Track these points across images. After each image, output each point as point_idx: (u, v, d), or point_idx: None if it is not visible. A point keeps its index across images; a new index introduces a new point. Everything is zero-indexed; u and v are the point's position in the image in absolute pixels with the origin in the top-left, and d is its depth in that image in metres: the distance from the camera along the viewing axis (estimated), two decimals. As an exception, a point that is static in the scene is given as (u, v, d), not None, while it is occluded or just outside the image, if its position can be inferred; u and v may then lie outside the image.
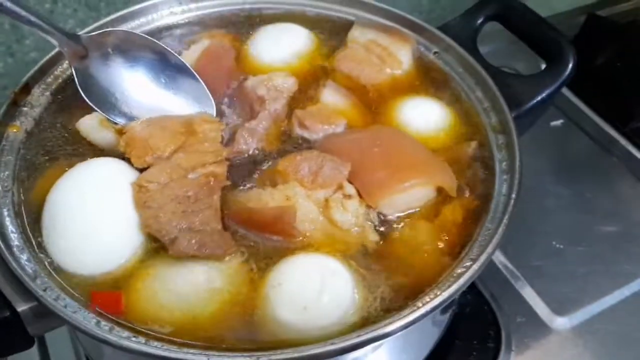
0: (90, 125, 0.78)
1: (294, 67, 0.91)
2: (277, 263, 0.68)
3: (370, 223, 0.72)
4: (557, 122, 1.38)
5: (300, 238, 0.70)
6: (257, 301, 0.66)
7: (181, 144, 0.75)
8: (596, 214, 1.19)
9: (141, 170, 0.74)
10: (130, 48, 0.82)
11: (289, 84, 0.86)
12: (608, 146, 1.33)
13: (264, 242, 0.71)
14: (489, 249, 0.66)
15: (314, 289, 0.64)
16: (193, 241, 0.68)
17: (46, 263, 0.68)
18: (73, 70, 0.79)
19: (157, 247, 0.70)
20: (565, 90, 1.41)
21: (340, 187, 0.72)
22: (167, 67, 0.83)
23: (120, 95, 0.81)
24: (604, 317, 1.04)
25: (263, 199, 0.71)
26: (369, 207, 0.73)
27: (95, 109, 0.79)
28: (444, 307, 0.68)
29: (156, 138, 0.75)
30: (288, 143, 0.81)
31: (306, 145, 0.81)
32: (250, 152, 0.79)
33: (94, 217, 0.69)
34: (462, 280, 0.64)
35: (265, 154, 0.80)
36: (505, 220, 0.69)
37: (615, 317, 1.04)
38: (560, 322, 1.03)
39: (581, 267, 1.10)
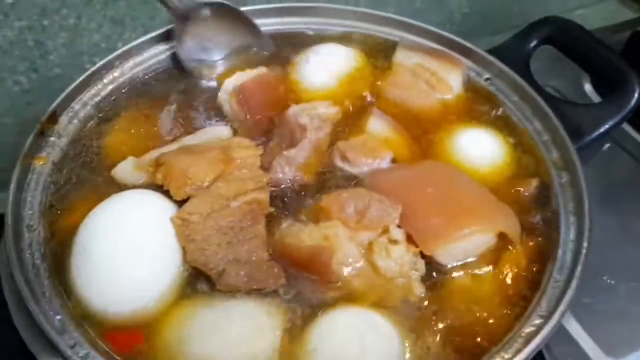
0: (127, 171, 0.74)
1: (339, 91, 0.86)
2: (312, 320, 0.62)
3: (416, 273, 0.66)
4: (603, 147, 1.31)
5: (339, 283, 0.64)
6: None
7: (220, 172, 0.72)
8: (647, 245, 1.12)
9: (178, 202, 0.70)
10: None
11: (332, 113, 0.81)
12: (656, 172, 1.26)
13: (302, 286, 0.65)
14: (562, 307, 0.60)
15: (353, 353, 0.59)
16: (242, 273, 0.65)
17: (74, 308, 0.63)
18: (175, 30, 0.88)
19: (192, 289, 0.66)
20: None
21: (386, 230, 0.66)
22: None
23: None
24: (659, 362, 0.97)
25: (301, 236, 0.66)
26: (417, 255, 0.66)
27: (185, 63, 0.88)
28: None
29: (194, 167, 0.72)
30: (328, 176, 0.76)
31: (349, 180, 0.75)
32: (287, 181, 0.74)
33: (127, 253, 0.65)
34: (533, 345, 0.58)
35: (303, 185, 0.74)
36: (577, 273, 0.62)
37: (672, 363, 0.97)
38: (613, 365, 0.96)
39: (635, 305, 1.03)
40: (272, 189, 0.73)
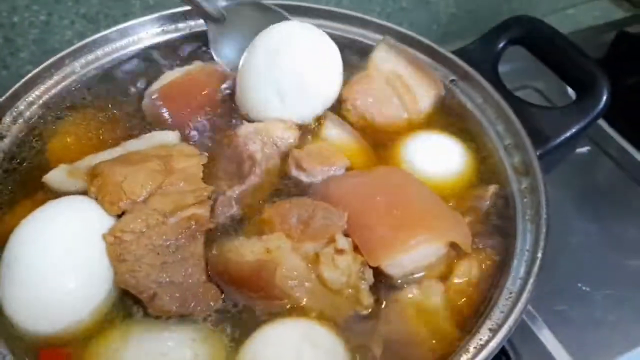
0: (59, 178, 0.71)
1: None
2: (251, 333, 0.60)
3: (364, 283, 0.62)
4: (583, 149, 1.27)
5: (284, 300, 0.61)
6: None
7: (159, 185, 0.68)
8: (626, 252, 1.09)
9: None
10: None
11: (288, 138, 0.76)
12: (638, 176, 1.23)
13: (246, 302, 0.63)
14: (510, 322, 0.57)
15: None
16: (176, 295, 0.62)
17: (2, 325, 0.60)
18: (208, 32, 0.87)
19: (126, 307, 0.62)
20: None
21: (332, 240, 0.63)
22: None
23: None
24: (633, 372, 0.94)
25: (241, 250, 0.63)
26: (364, 264, 0.63)
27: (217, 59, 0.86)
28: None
29: (130, 180, 0.67)
30: (281, 186, 0.73)
31: (304, 190, 0.72)
32: (230, 218, 0.70)
33: (55, 265, 0.61)
34: (480, 357, 0.54)
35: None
36: (529, 286, 0.60)
37: (646, 373, 0.94)
38: (584, 376, 0.93)
39: (609, 313, 1.00)
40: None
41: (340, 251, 0.62)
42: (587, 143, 1.28)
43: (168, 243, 0.65)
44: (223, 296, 0.63)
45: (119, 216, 0.66)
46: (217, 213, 0.68)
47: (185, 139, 0.77)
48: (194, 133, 0.78)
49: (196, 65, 0.85)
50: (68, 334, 0.60)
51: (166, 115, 0.78)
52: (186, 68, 0.84)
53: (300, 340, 0.58)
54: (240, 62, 0.81)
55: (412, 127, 0.80)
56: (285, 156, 0.74)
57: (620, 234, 1.11)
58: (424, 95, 0.82)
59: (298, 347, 0.57)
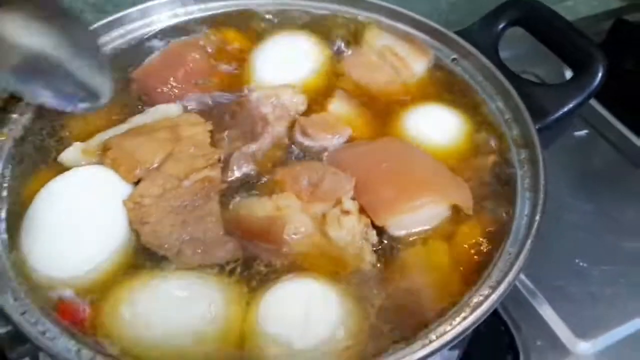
0: (74, 158, 0.74)
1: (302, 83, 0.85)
2: (263, 290, 0.63)
3: (367, 243, 0.66)
4: (581, 132, 1.30)
5: (291, 252, 0.65)
6: (242, 334, 0.61)
7: (169, 152, 0.72)
8: (622, 231, 1.12)
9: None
10: None
11: (297, 102, 0.80)
12: (635, 159, 1.26)
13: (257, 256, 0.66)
14: (510, 277, 0.60)
15: (296, 321, 0.59)
16: (198, 250, 0.66)
17: (26, 274, 0.64)
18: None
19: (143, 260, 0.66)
20: (591, 100, 1.35)
21: (339, 202, 0.67)
22: None
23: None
24: (630, 342, 0.97)
25: (254, 208, 0.67)
26: (368, 225, 0.67)
27: None
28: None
29: (143, 150, 0.71)
30: (288, 151, 0.77)
31: (308, 155, 0.76)
32: (244, 176, 0.73)
33: (76, 222, 0.66)
34: (478, 312, 0.58)
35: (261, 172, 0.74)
36: (528, 245, 0.63)
37: (640, 343, 0.97)
38: (583, 347, 0.96)
39: (606, 287, 1.03)
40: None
41: (346, 212, 0.66)
42: (585, 126, 1.32)
43: (185, 204, 0.68)
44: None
45: (135, 184, 0.70)
46: (233, 169, 0.72)
47: (186, 110, 0.80)
48: (192, 104, 0.81)
49: (178, 40, 0.88)
50: (86, 282, 0.63)
51: (153, 92, 0.81)
52: (170, 44, 0.87)
53: (309, 295, 0.61)
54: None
55: (409, 93, 0.84)
56: (293, 123, 0.78)
57: (617, 215, 1.15)
58: (414, 61, 0.86)
59: (308, 301, 0.60)
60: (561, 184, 1.19)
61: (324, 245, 0.65)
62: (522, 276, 1.04)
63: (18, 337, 0.59)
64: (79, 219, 0.66)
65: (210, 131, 0.75)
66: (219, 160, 0.73)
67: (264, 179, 0.72)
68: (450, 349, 0.77)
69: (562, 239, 1.10)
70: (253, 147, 0.74)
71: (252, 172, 0.73)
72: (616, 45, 1.40)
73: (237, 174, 0.72)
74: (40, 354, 0.91)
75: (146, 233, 0.66)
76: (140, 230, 0.66)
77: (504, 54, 0.89)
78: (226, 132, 0.76)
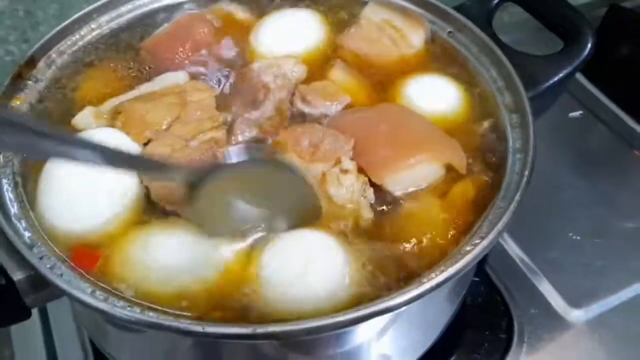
0: (86, 120, 0.77)
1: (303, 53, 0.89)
2: (267, 241, 0.66)
3: (365, 200, 0.70)
4: (576, 113, 1.34)
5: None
6: (247, 280, 0.64)
7: (177, 115, 0.75)
8: (615, 207, 1.16)
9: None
10: None
11: (297, 73, 0.84)
12: (629, 139, 1.29)
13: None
14: (499, 226, 0.63)
15: (296, 270, 0.63)
16: None
17: (43, 230, 0.67)
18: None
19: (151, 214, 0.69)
20: (584, 81, 1.38)
21: (338, 161, 0.70)
22: None
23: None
24: (620, 311, 1.00)
25: None
26: (366, 183, 0.70)
27: None
28: (452, 286, 0.65)
29: (152, 113, 0.75)
30: (291, 119, 0.80)
31: (308, 120, 0.79)
32: (248, 140, 0.77)
33: (89, 180, 0.68)
34: (470, 257, 0.61)
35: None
36: (517, 197, 0.66)
37: (631, 311, 1.00)
38: (575, 315, 1.00)
39: (598, 260, 1.07)
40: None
41: (345, 171, 0.69)
42: (581, 107, 1.35)
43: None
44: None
45: (145, 145, 0.74)
46: (237, 134, 0.75)
47: (193, 78, 0.84)
48: (197, 70, 0.85)
49: (186, 14, 0.93)
50: (99, 234, 0.67)
51: (161, 62, 0.85)
52: (177, 17, 0.91)
53: (308, 244, 0.65)
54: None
55: (408, 64, 0.87)
56: (294, 91, 0.81)
57: (610, 193, 1.19)
58: (412, 33, 0.89)
59: (308, 252, 0.64)
60: (557, 163, 1.23)
61: (323, 202, 0.69)
62: (517, 249, 1.08)
63: (36, 282, 0.63)
64: (92, 177, 0.69)
65: (216, 97, 0.79)
66: (224, 122, 0.76)
67: (268, 141, 0.76)
68: (449, 293, 0.81)
69: (556, 215, 1.14)
70: (255, 114, 0.77)
71: (256, 138, 0.77)
72: (611, 30, 1.43)
73: (240, 138, 0.76)
74: (48, 306, 0.97)
75: (156, 189, 0.69)
76: (150, 186, 0.70)
77: (504, 39, 0.92)
78: (230, 100, 0.79)
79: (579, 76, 1.38)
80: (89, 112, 0.77)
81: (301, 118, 0.79)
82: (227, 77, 0.84)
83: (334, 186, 0.69)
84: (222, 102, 0.80)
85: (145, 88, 0.81)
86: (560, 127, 1.30)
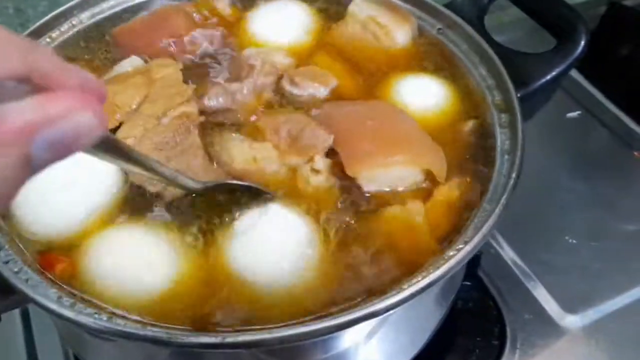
0: None
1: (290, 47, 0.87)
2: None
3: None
4: (574, 114, 1.31)
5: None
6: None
7: (146, 94, 0.74)
8: (613, 210, 1.13)
9: (113, 130, 0.72)
10: None
11: (285, 63, 0.83)
12: (628, 140, 1.26)
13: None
14: (484, 230, 0.61)
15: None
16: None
17: (13, 231, 0.65)
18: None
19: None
20: (582, 80, 1.35)
21: (312, 159, 0.69)
22: None
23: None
24: (617, 317, 0.97)
25: (233, 152, 0.70)
26: (333, 185, 0.69)
27: None
28: (437, 290, 0.63)
29: (120, 95, 0.74)
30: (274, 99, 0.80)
31: (295, 103, 0.79)
32: (216, 110, 0.76)
33: (60, 175, 0.66)
34: (452, 262, 0.58)
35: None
36: (503, 200, 0.63)
37: (629, 317, 0.97)
38: (571, 321, 0.97)
39: (595, 263, 1.04)
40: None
41: (315, 171, 0.68)
42: (579, 108, 1.32)
43: (167, 140, 0.71)
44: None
45: (116, 129, 0.72)
46: (209, 98, 0.75)
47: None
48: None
49: (165, 4, 0.91)
50: (70, 234, 0.65)
51: (131, 50, 0.83)
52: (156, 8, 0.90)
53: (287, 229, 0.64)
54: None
55: (394, 61, 0.85)
56: (280, 77, 0.81)
57: (608, 195, 1.16)
58: (397, 29, 0.87)
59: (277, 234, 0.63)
60: (553, 164, 1.20)
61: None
62: (511, 252, 1.05)
63: (2, 287, 0.61)
64: (67, 177, 0.67)
65: (182, 70, 0.78)
66: (194, 94, 0.75)
67: (247, 122, 0.75)
68: (435, 299, 0.78)
69: (552, 217, 1.11)
70: (234, 85, 0.76)
71: (231, 109, 0.75)
72: (611, 29, 1.41)
73: (212, 103, 0.75)
74: (29, 308, 0.95)
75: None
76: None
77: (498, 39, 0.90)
78: (210, 75, 0.79)
79: (577, 75, 1.35)
80: None
81: (288, 101, 0.79)
82: (208, 60, 0.83)
83: (302, 183, 0.69)
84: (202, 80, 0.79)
85: (108, 76, 0.80)
86: (557, 128, 1.27)
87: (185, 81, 0.77)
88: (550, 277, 1.02)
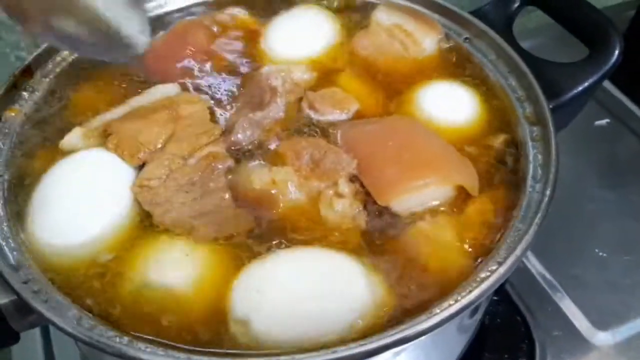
0: (75, 143, 0.73)
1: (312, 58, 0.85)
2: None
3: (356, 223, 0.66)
4: (602, 122, 1.28)
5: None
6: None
7: (171, 133, 0.72)
8: (644, 221, 1.09)
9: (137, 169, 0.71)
10: None
11: (307, 79, 0.81)
12: (660, 149, 1.22)
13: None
14: (518, 252, 0.58)
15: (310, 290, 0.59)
16: (212, 224, 0.66)
17: (32, 250, 0.64)
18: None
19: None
20: (611, 88, 1.32)
21: (335, 183, 0.67)
22: None
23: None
24: (650, 334, 0.93)
25: (252, 177, 0.67)
26: (359, 209, 0.66)
27: None
28: (467, 314, 0.61)
29: (144, 132, 0.71)
30: (293, 124, 0.77)
31: (313, 128, 0.76)
32: (247, 144, 0.73)
33: (81, 200, 0.67)
34: (485, 285, 0.56)
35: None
36: (537, 220, 0.61)
37: (663, 335, 0.93)
38: (602, 338, 0.94)
39: (626, 278, 1.01)
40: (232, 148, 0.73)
41: (339, 195, 0.66)
42: (607, 116, 1.29)
43: (193, 181, 0.69)
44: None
45: (140, 167, 0.70)
46: (237, 132, 0.72)
47: (186, 89, 0.80)
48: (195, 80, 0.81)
49: (182, 20, 0.89)
50: (91, 250, 0.64)
51: (155, 72, 0.81)
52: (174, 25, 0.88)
53: (320, 265, 0.61)
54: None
55: (420, 70, 0.83)
56: (301, 97, 0.78)
57: (638, 204, 1.12)
58: (424, 37, 0.85)
59: (320, 272, 0.60)
60: (582, 174, 1.17)
61: (316, 222, 0.66)
62: (539, 266, 1.02)
63: (21, 307, 0.59)
64: (83, 197, 0.67)
65: (209, 108, 0.76)
66: (222, 134, 0.73)
67: (268, 149, 0.72)
68: (464, 321, 0.76)
69: (581, 229, 1.08)
70: (259, 114, 0.74)
71: (256, 140, 0.73)
72: (639, 34, 1.37)
73: (240, 137, 0.72)
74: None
75: (157, 214, 0.66)
76: (152, 211, 0.67)
77: (525, 44, 0.86)
78: (233, 102, 0.76)
79: (605, 83, 1.31)
80: (77, 133, 0.74)
81: (308, 125, 0.76)
82: (229, 82, 0.81)
83: (326, 209, 0.66)
84: (225, 106, 0.77)
85: (134, 102, 0.77)
86: (585, 136, 1.24)
87: (212, 119, 0.75)
88: (579, 291, 0.99)
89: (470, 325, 0.81)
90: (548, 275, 1.02)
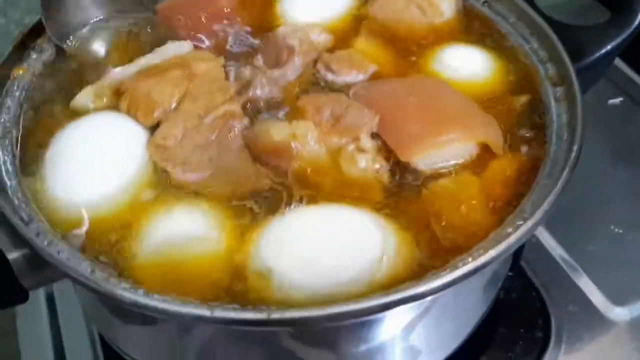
0: (85, 102, 0.72)
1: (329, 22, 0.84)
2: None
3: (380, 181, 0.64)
4: (616, 100, 1.26)
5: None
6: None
7: (185, 91, 0.70)
8: (659, 199, 1.08)
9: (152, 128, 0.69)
10: None
11: (323, 40, 0.80)
12: (675, 128, 1.21)
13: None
14: (545, 206, 0.56)
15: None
16: (229, 182, 0.65)
17: (44, 205, 0.63)
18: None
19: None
20: (624, 66, 1.30)
21: (357, 138, 0.65)
22: None
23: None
24: (669, 309, 0.92)
25: (271, 131, 0.65)
26: (382, 165, 0.65)
27: None
28: (489, 274, 0.59)
29: (157, 90, 0.69)
30: (310, 85, 0.75)
31: (331, 88, 0.74)
32: (264, 102, 0.72)
33: (95, 159, 0.66)
34: (514, 238, 0.54)
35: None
36: (565, 174, 0.59)
37: (681, 310, 0.92)
38: (619, 313, 0.92)
39: (642, 253, 0.99)
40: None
41: (361, 150, 0.64)
42: (620, 94, 1.27)
43: (210, 140, 0.67)
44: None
45: (154, 127, 0.69)
46: (256, 87, 0.71)
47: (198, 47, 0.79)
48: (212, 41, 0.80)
49: None
50: (106, 205, 0.63)
51: (176, 27, 0.80)
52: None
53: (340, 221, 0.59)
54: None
55: (438, 34, 0.82)
56: (316, 60, 0.77)
57: (654, 182, 1.10)
58: (441, 1, 0.84)
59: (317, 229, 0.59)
60: (596, 152, 1.15)
61: (336, 178, 0.64)
62: (554, 243, 1.01)
63: (32, 262, 0.58)
64: (98, 156, 0.66)
65: (224, 66, 0.74)
66: (238, 92, 0.71)
67: (287, 108, 0.71)
68: (486, 282, 0.74)
69: (597, 206, 1.06)
70: (277, 72, 0.72)
71: (274, 98, 0.72)
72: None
73: (258, 93, 0.71)
74: (54, 291, 0.93)
75: (175, 173, 0.65)
76: (170, 170, 0.65)
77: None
78: (250, 61, 0.75)
79: (618, 61, 1.30)
80: (89, 92, 0.73)
81: (325, 86, 0.75)
82: (247, 42, 0.80)
83: (347, 164, 0.64)
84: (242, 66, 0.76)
85: (145, 60, 0.75)
86: (599, 115, 1.22)
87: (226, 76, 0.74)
88: (595, 267, 0.97)
89: (488, 293, 0.79)
90: (563, 252, 1.00)
